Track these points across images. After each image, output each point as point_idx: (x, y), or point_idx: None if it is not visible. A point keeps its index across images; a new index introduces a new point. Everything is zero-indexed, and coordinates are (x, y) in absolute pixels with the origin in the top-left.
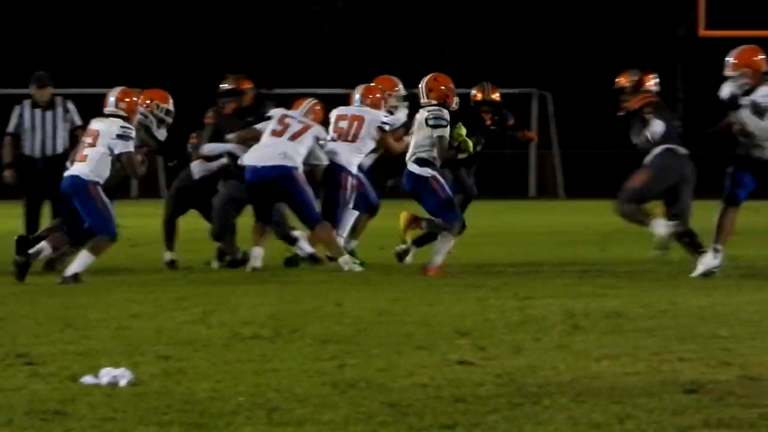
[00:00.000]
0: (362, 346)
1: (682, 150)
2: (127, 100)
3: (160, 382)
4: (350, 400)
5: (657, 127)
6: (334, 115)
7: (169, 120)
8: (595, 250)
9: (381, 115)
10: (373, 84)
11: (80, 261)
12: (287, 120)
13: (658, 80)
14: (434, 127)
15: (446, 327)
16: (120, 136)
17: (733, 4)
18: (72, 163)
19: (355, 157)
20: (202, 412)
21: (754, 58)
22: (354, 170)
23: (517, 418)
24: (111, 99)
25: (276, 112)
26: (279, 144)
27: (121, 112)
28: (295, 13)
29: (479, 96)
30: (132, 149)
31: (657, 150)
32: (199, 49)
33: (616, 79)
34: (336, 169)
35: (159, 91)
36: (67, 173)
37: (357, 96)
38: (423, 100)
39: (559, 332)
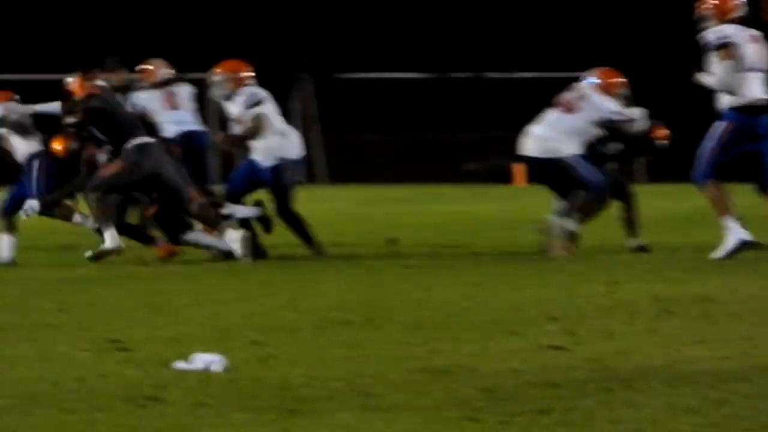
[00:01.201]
0: (452, 332)
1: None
2: None
3: (253, 368)
4: (444, 386)
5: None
6: None
7: None
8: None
9: None
10: None
11: None
12: None
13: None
14: None
15: (535, 312)
16: None
17: None
18: None
19: None
20: (297, 397)
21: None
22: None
23: (612, 403)
24: None
25: None
26: None
27: None
28: None
29: None
30: None
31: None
32: None
33: None
34: None
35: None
36: None
37: None
38: None
39: (649, 317)
